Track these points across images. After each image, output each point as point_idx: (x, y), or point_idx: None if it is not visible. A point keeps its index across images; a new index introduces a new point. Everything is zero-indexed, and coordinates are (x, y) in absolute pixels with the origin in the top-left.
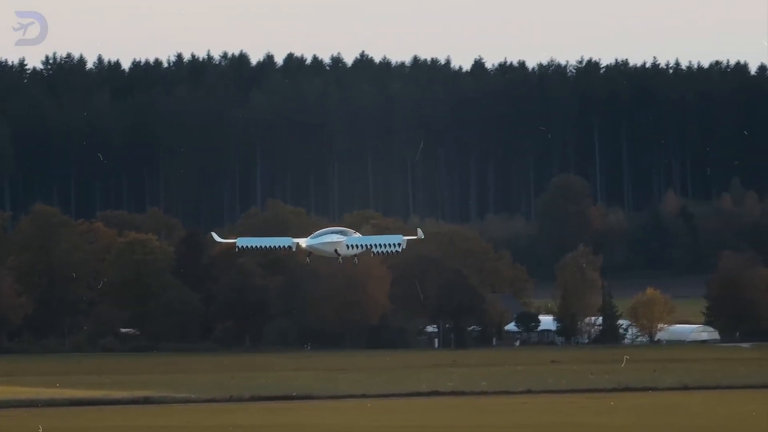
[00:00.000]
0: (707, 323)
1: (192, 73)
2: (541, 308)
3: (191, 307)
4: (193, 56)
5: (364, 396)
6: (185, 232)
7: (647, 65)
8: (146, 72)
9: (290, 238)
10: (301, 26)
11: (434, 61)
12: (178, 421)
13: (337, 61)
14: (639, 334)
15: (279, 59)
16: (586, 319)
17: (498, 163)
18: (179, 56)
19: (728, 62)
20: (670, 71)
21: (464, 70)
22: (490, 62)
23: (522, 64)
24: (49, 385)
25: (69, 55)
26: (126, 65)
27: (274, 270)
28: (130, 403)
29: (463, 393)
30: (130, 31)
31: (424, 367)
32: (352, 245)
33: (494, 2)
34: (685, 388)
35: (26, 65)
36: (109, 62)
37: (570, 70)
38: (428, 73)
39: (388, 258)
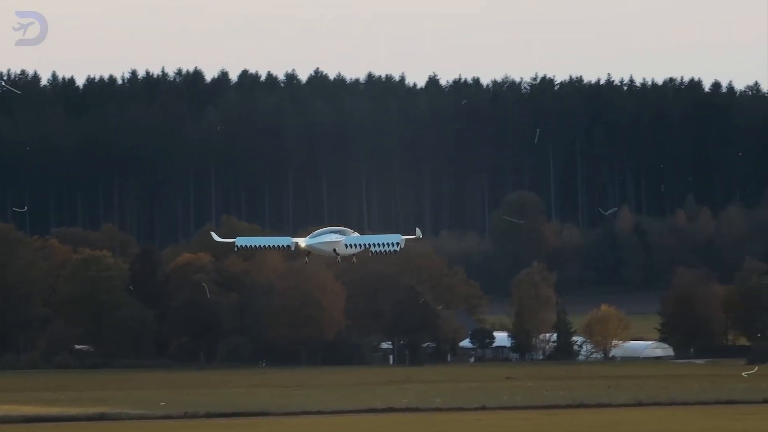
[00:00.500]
0: (661, 339)
1: (146, 89)
2: (496, 325)
3: (146, 323)
4: (147, 73)
5: (319, 413)
6: (140, 248)
7: (601, 82)
8: (100, 89)
9: (289, 237)
10: (256, 43)
11: (389, 78)
12: None
13: (291, 77)
14: (593, 350)
15: (233, 76)
16: (541, 336)
17: (452, 179)
18: (134, 73)
19: (682, 79)
20: (625, 88)
21: (419, 86)
22: (445, 79)
23: (476, 80)
24: (4, 402)
25: (23, 72)
26: (80, 82)
27: (229, 287)
28: (85, 419)
29: (418, 409)
30: (85, 48)
31: (379, 384)
32: (350, 245)
33: (448, 20)
34: (640, 404)
35: None
36: (64, 79)
37: (524, 87)
38: (382, 90)
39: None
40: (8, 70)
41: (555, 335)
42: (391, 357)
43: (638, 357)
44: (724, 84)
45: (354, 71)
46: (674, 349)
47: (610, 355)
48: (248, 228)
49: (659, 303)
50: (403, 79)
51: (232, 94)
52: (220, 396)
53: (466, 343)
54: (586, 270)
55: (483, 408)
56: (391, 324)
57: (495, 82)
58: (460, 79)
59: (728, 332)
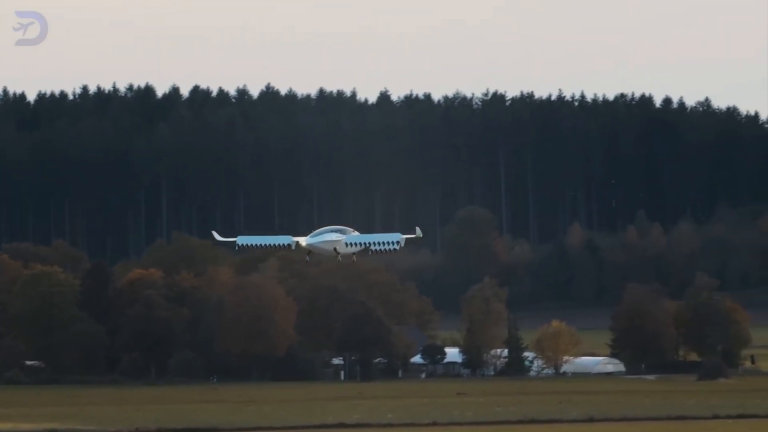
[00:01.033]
0: (612, 355)
1: (97, 105)
2: (447, 340)
3: (97, 339)
4: (98, 88)
5: (270, 428)
6: (90, 264)
7: (552, 97)
8: (51, 104)
9: (290, 236)
10: (207, 58)
11: (340, 93)
12: None
13: (243, 93)
14: (544, 366)
15: (185, 91)
16: (492, 351)
17: (403, 194)
18: (85, 88)
19: (633, 95)
20: (575, 103)
21: (370, 102)
22: (396, 94)
23: (428, 96)
24: None
25: None
26: (31, 97)
27: (180, 302)
28: None
29: (369, 425)
30: (36, 63)
31: (331, 399)
32: (351, 243)
33: (399, 35)
34: (591, 420)
35: None
36: (14, 94)
37: (476, 102)
38: (334, 106)
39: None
40: None
41: (506, 351)
42: (342, 373)
43: (589, 373)
44: (675, 100)
45: (305, 87)
46: (625, 365)
47: (561, 371)
48: (199, 244)
49: (610, 319)
50: (354, 94)
51: (183, 109)
52: (172, 411)
53: (417, 358)
54: (537, 286)
55: (434, 424)
56: (343, 339)
57: (446, 98)
58: (411, 94)
59: (679, 348)
